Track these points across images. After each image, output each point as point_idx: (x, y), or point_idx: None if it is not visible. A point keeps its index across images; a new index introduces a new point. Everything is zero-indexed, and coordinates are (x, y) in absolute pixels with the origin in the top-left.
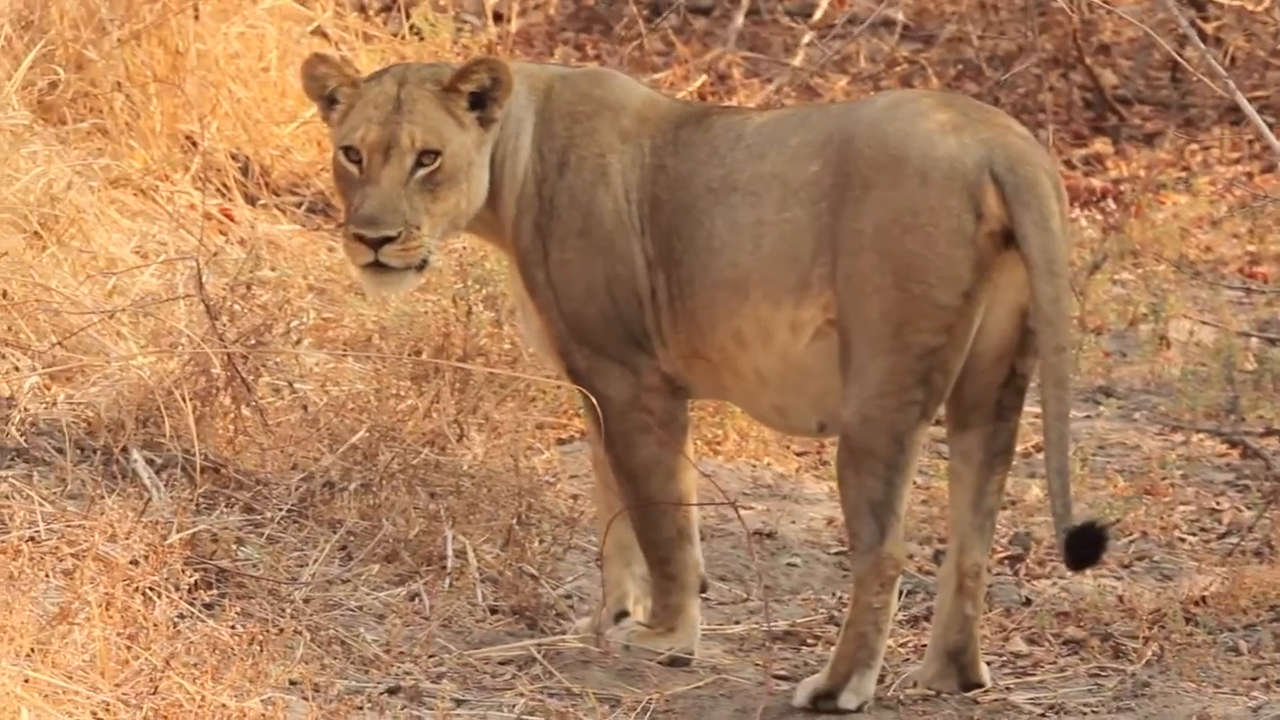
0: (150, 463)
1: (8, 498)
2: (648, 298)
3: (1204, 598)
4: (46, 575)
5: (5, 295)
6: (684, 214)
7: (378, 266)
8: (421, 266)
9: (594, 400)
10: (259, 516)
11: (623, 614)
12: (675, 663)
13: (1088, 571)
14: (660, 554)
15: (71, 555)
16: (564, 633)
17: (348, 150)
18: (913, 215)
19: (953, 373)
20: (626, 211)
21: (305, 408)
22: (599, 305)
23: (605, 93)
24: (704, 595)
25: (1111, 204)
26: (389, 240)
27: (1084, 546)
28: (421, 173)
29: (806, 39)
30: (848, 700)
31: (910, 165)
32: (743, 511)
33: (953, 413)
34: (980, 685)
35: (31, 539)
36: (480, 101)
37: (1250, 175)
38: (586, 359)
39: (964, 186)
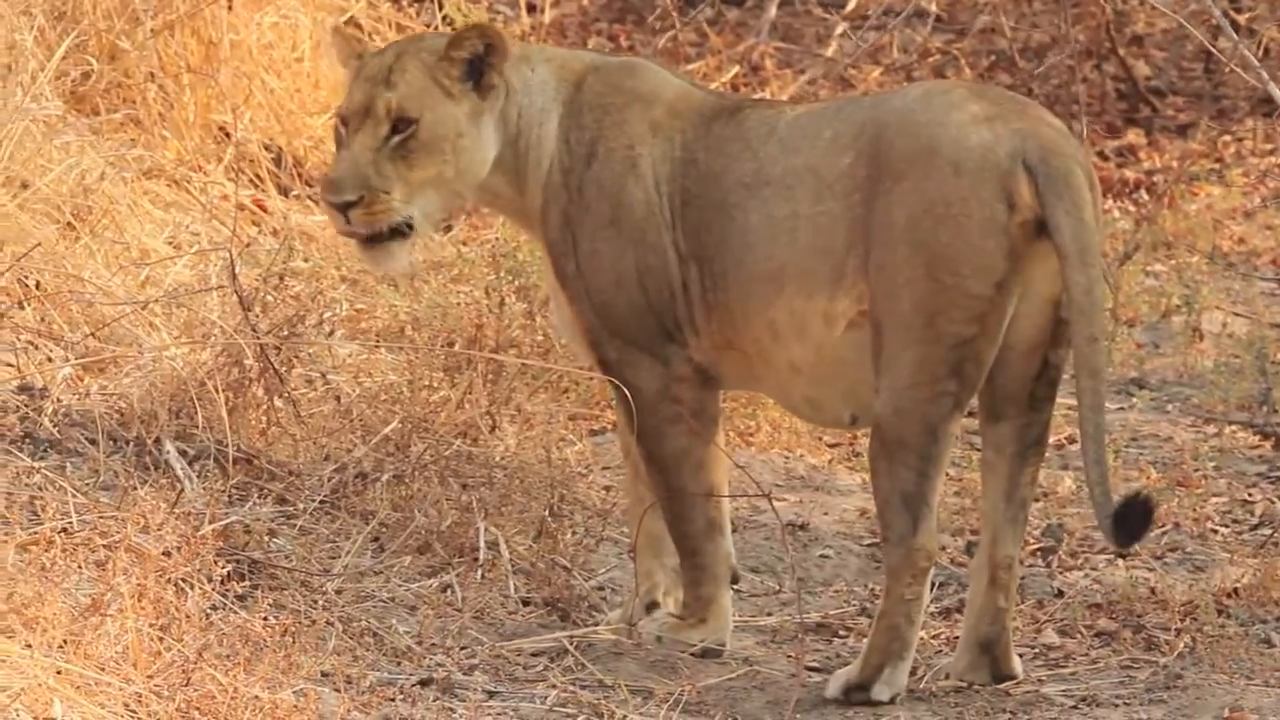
0: (183, 454)
1: (41, 489)
2: (679, 289)
3: (1236, 589)
4: (79, 566)
5: (38, 286)
6: (716, 208)
7: (366, 241)
8: (400, 232)
9: (625, 391)
10: (291, 508)
11: (653, 604)
12: (707, 654)
13: (1134, 548)
14: (691, 545)
15: (104, 546)
16: (596, 625)
17: (340, 118)
18: (945, 205)
19: (985, 363)
20: (657, 204)
21: (338, 399)
22: (629, 296)
23: (637, 84)
24: (736, 587)
25: (1144, 195)
26: (351, 205)
27: (1132, 520)
28: (395, 139)
29: (839, 30)
30: (880, 692)
31: (942, 155)
32: (775, 503)
33: (985, 404)
34: (1012, 677)
35: (64, 530)
36: (476, 70)
37: None
38: (617, 350)
39: (996, 177)
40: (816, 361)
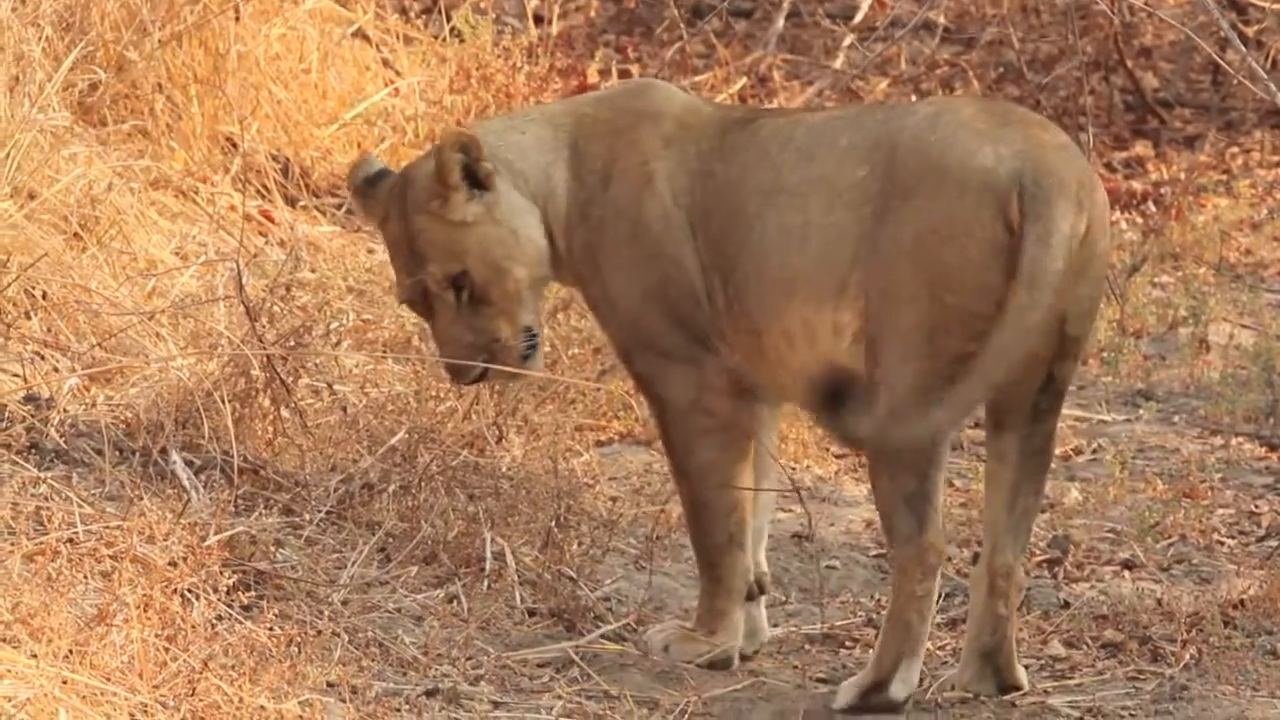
0: (189, 464)
1: (47, 499)
2: (704, 299)
3: (1242, 601)
4: (85, 577)
5: (45, 296)
6: (735, 218)
7: (501, 381)
8: (531, 350)
9: (657, 406)
10: (297, 518)
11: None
12: (714, 666)
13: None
14: (710, 558)
15: (110, 557)
16: (602, 635)
17: (408, 305)
18: (949, 226)
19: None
20: (676, 216)
21: (344, 409)
22: (657, 309)
23: (644, 104)
24: (752, 597)
25: (1152, 207)
26: (483, 376)
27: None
28: (465, 296)
29: (847, 42)
30: (898, 690)
31: (950, 176)
32: (781, 515)
33: (989, 415)
34: (1018, 688)
35: (70, 540)
36: (469, 173)
37: None
38: (647, 364)
39: (996, 198)
40: None
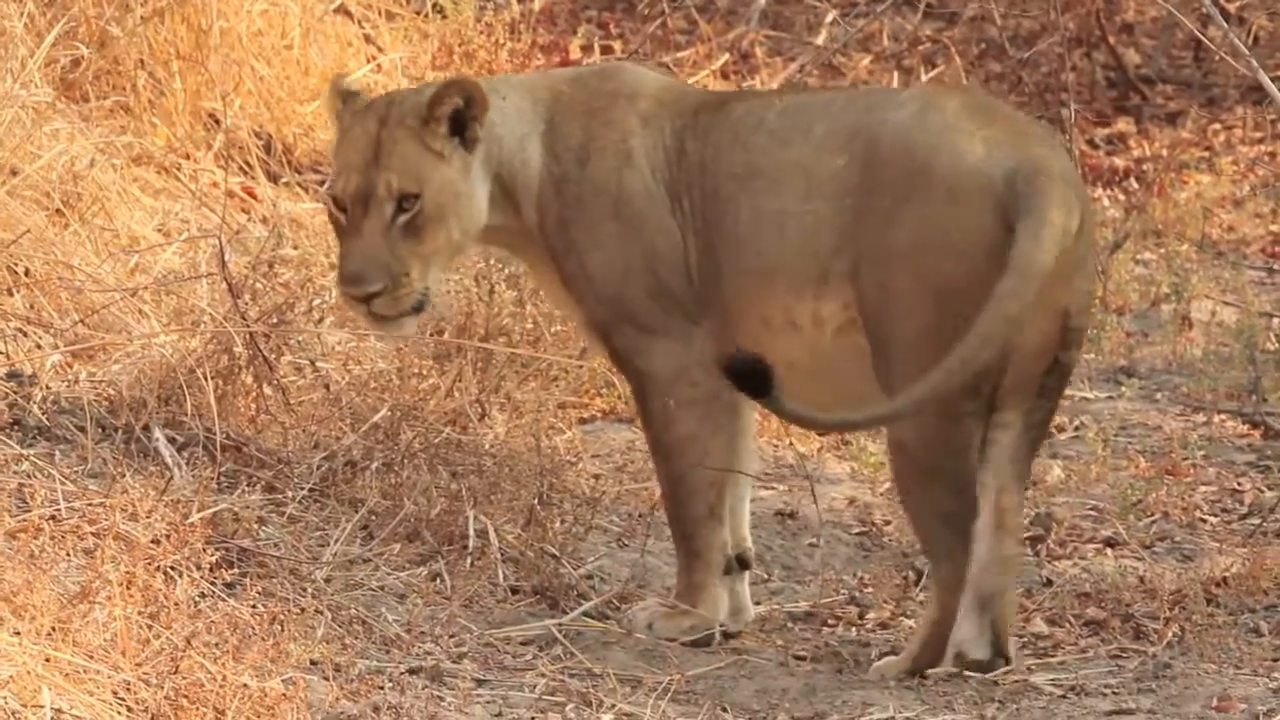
0: (172, 441)
1: (29, 476)
2: (692, 270)
3: (1225, 579)
4: (67, 554)
5: (28, 273)
6: (710, 200)
7: (375, 316)
8: (419, 308)
9: (637, 380)
10: (280, 495)
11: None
12: (697, 643)
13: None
14: (688, 530)
15: (92, 534)
16: (585, 613)
17: (335, 199)
18: (944, 235)
19: (998, 372)
20: (656, 190)
21: (327, 386)
22: (641, 283)
23: (618, 85)
24: (729, 571)
25: (1134, 183)
26: (376, 295)
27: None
28: (403, 219)
29: (829, 18)
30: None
31: (939, 181)
32: (763, 493)
33: (996, 398)
34: (1006, 659)
35: (53, 517)
36: (458, 124)
37: (1273, 155)
38: (627, 337)
39: (993, 201)
40: (811, 361)
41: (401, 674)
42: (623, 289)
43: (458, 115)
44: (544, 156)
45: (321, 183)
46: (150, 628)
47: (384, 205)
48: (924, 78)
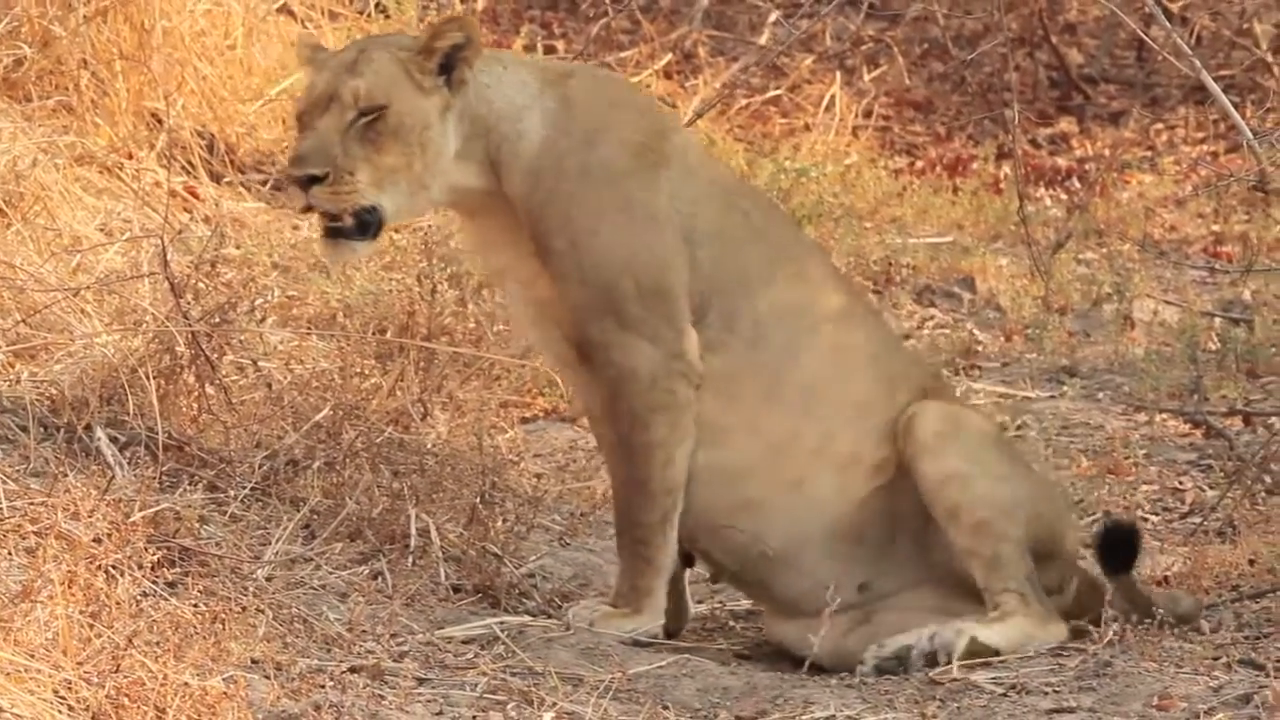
0: (114, 440)
1: None
2: (684, 294)
3: (1166, 578)
4: (9, 553)
5: None
6: (735, 291)
7: (333, 234)
8: (368, 227)
9: (611, 375)
10: (222, 494)
11: None
12: (639, 642)
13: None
14: (642, 535)
15: (34, 533)
16: (526, 612)
17: (300, 112)
18: None
19: None
20: (674, 219)
21: (269, 386)
22: (636, 279)
23: (666, 117)
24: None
25: (1076, 183)
26: (316, 180)
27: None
28: (362, 122)
29: (772, 18)
30: None
31: None
32: None
33: None
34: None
35: None
36: (448, 64)
37: (1215, 155)
38: (608, 331)
39: None
40: None
41: (343, 673)
42: (616, 279)
43: (450, 54)
44: (547, 130)
45: (264, 182)
46: (91, 626)
47: (346, 110)
48: (867, 78)
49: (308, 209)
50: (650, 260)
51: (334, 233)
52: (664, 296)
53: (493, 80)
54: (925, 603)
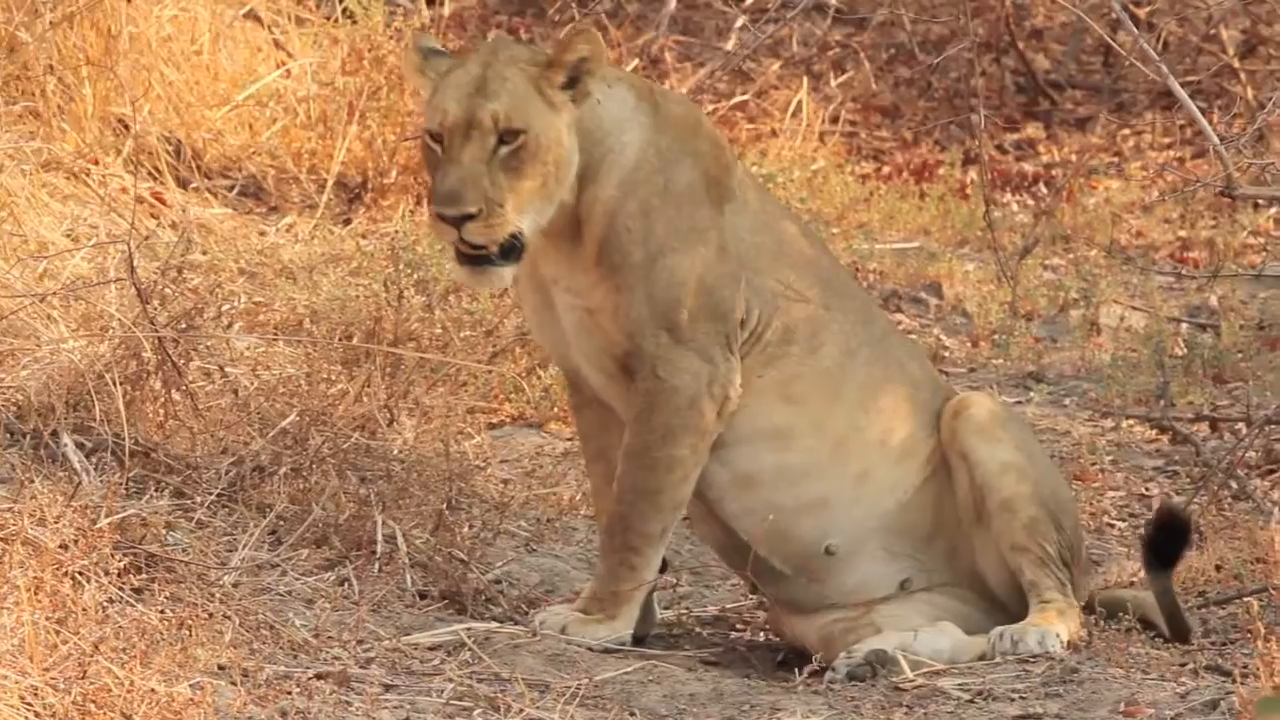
0: (80, 446)
1: None
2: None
3: (1133, 584)
4: None
5: None
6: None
7: (473, 259)
8: (512, 251)
9: (651, 387)
10: (189, 501)
11: None
12: (608, 650)
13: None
14: (636, 544)
15: (0, 539)
16: (493, 618)
17: (432, 134)
18: None
19: None
20: (734, 253)
21: (236, 392)
22: (701, 299)
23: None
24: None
25: (1043, 189)
26: (470, 217)
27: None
28: (505, 150)
29: (739, 23)
30: None
31: None
32: None
33: None
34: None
35: None
36: (575, 78)
37: (1182, 160)
38: (661, 346)
39: None
40: None
41: (309, 679)
42: (683, 296)
43: (579, 65)
44: (642, 145)
45: (231, 188)
46: (58, 633)
47: (487, 136)
48: (834, 83)
49: (469, 258)
50: (715, 284)
51: (477, 260)
52: (722, 320)
53: (602, 93)
54: (935, 607)
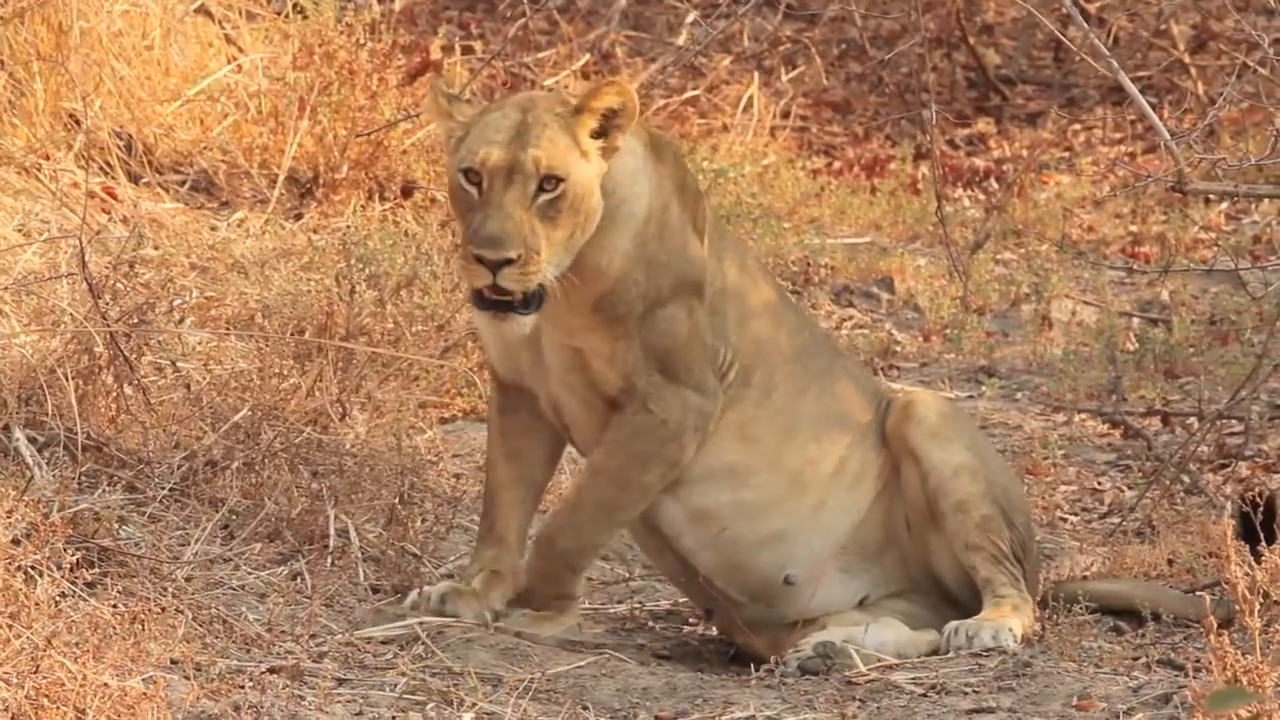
0: (32, 441)
1: None
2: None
3: (1085, 578)
4: None
5: None
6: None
7: (497, 307)
8: (534, 299)
9: (639, 418)
10: (141, 495)
11: None
12: (560, 644)
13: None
14: (582, 548)
15: None
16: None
17: (468, 172)
18: None
19: None
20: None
21: (188, 386)
22: (699, 348)
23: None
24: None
25: (994, 184)
26: (509, 262)
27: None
28: (544, 198)
29: (690, 18)
30: None
31: None
32: None
33: None
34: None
35: None
36: (604, 129)
37: (1133, 155)
38: (653, 384)
39: None
40: None
41: (262, 673)
42: (677, 343)
43: (609, 116)
44: (650, 196)
45: (183, 183)
46: (10, 627)
47: (529, 181)
48: (785, 78)
49: (493, 304)
50: (703, 325)
51: (499, 305)
52: (711, 357)
53: (623, 143)
54: (886, 610)
